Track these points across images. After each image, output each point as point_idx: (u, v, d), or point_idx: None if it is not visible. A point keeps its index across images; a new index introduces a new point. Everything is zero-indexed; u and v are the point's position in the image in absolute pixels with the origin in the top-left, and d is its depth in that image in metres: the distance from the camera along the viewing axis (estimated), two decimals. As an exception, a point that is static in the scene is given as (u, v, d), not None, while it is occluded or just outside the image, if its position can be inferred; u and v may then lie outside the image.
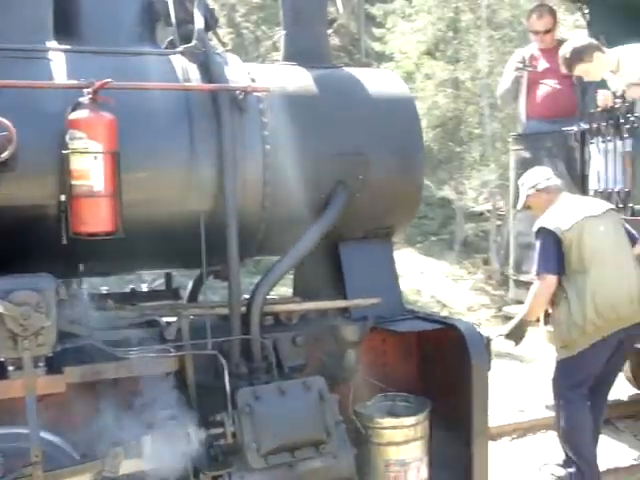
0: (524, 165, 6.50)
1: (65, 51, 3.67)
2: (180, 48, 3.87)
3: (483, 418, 3.84)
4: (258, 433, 3.42)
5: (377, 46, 16.30)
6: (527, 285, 6.49)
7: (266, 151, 3.80)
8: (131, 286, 4.49)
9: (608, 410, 5.41)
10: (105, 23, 3.85)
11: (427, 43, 15.08)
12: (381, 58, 15.93)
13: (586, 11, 7.48)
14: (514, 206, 6.71)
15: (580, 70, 5.73)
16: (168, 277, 4.59)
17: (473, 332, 3.92)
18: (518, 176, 6.53)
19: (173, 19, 3.94)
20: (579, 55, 5.62)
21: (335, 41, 17.29)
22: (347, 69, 4.37)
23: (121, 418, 3.36)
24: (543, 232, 4.80)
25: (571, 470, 4.93)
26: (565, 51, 5.69)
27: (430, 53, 15.26)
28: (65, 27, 3.80)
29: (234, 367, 3.61)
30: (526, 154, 6.64)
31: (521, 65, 6.91)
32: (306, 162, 3.91)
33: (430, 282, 13.49)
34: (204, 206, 3.67)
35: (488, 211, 16.78)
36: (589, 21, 7.46)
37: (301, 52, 4.25)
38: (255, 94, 3.80)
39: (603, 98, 5.65)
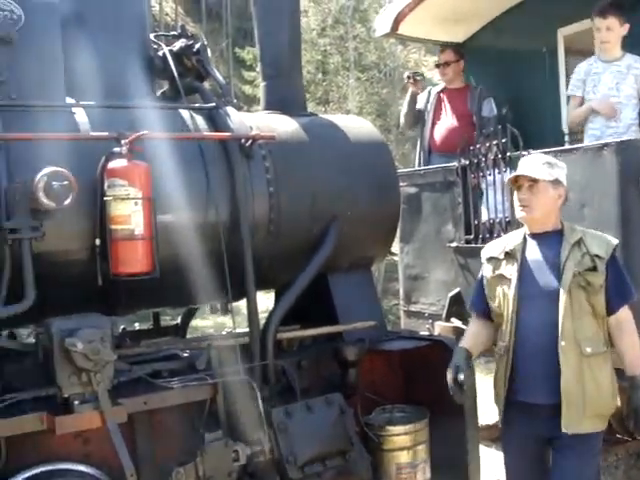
0: (409, 201, 6.90)
1: (86, 107, 3.93)
2: (200, 104, 4.22)
3: (474, 421, 4.35)
4: (294, 447, 3.79)
5: (248, 89, 16.77)
6: (417, 315, 7.01)
7: (270, 193, 4.19)
8: (122, 326, 4.69)
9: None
10: (111, 79, 4.10)
11: (298, 85, 15.81)
12: (252, 101, 16.44)
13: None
14: (402, 240, 7.17)
15: (609, 22, 5.85)
16: (156, 317, 4.82)
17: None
18: (403, 211, 6.92)
19: (175, 73, 4.26)
20: (619, 12, 5.80)
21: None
22: (325, 116, 4.85)
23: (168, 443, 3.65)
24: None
25: None
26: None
27: (301, 95, 16.08)
28: (74, 84, 4.05)
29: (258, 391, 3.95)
30: (411, 190, 7.06)
31: (409, 76, 7.53)
32: (303, 202, 4.34)
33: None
34: (219, 243, 3.99)
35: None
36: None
37: (281, 101, 4.68)
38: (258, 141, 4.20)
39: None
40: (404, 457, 4.13)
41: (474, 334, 4.02)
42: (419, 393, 4.48)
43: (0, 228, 3.40)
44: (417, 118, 7.65)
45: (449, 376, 3.80)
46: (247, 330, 4.10)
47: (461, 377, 3.77)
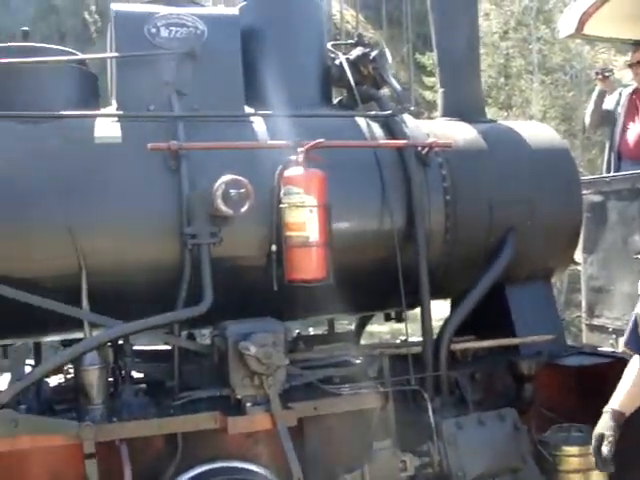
0: (593, 209, 6.64)
1: (265, 116, 4.02)
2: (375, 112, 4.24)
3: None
4: (463, 461, 3.69)
5: (428, 94, 16.67)
6: (600, 329, 6.63)
7: (447, 201, 4.13)
8: (297, 331, 4.75)
9: None
10: (289, 89, 4.13)
11: (479, 90, 15.63)
12: (432, 107, 16.33)
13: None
14: (585, 250, 6.82)
15: None
16: (331, 323, 4.85)
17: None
18: (587, 220, 6.65)
19: (352, 81, 4.28)
20: None
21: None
22: (503, 122, 4.72)
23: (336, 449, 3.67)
24: None
25: None
26: None
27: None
28: (252, 94, 4.15)
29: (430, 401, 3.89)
30: (595, 198, 6.71)
31: (598, 72, 7.20)
32: (480, 210, 4.24)
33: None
34: (393, 251, 3.96)
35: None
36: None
37: (459, 108, 4.60)
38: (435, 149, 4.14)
39: None
40: (579, 480, 3.94)
41: (634, 382, 3.27)
42: (599, 413, 4.25)
43: (181, 233, 3.54)
44: (603, 119, 7.28)
45: (593, 444, 3.23)
46: (421, 339, 4.05)
47: (605, 450, 3.14)
